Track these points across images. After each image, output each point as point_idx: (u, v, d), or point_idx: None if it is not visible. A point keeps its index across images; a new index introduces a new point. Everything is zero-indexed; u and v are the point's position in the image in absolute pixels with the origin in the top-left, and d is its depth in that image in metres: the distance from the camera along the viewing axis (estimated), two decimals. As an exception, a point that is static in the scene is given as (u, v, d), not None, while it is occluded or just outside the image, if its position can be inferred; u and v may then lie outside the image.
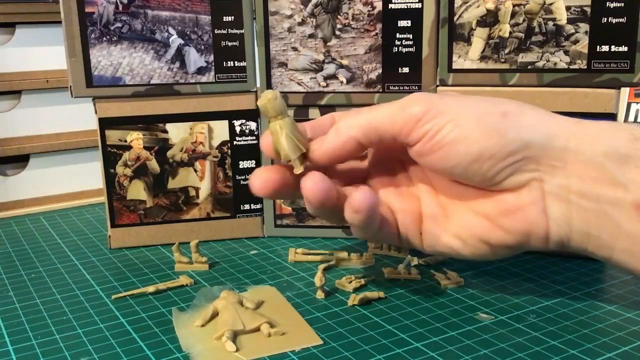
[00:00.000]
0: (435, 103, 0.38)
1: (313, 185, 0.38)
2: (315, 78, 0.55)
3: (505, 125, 0.37)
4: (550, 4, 0.49)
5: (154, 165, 0.57)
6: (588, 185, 0.36)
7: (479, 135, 0.37)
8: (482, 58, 0.52)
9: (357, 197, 0.38)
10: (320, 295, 0.46)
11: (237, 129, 0.57)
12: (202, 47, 0.55)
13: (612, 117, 0.49)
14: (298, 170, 0.39)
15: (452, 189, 0.41)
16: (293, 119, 0.40)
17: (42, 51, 0.73)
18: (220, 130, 0.57)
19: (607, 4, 0.48)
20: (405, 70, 0.53)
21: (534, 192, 0.37)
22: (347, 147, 0.40)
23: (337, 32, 0.54)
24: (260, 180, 0.41)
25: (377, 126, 0.39)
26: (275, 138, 0.39)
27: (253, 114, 0.57)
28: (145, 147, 0.56)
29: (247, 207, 0.59)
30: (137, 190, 0.57)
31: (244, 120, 0.57)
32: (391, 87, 0.54)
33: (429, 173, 0.42)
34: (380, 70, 0.54)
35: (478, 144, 0.37)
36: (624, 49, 0.48)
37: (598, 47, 0.49)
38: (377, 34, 0.53)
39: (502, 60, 0.51)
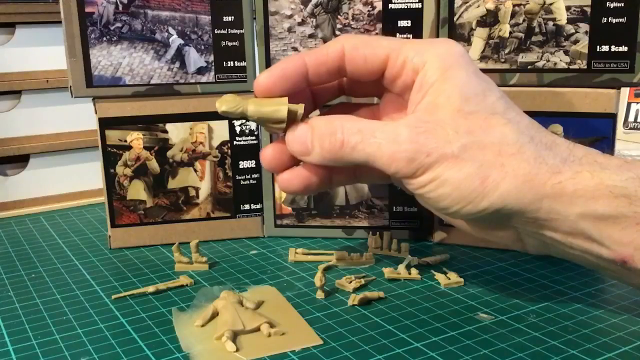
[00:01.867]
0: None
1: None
2: (315, 78, 0.55)
3: (482, 192, 0.37)
4: (550, 4, 0.49)
5: (154, 165, 0.57)
6: (561, 236, 0.37)
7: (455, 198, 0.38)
8: (482, 58, 0.52)
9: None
10: (320, 295, 0.46)
11: (237, 129, 0.57)
12: (202, 47, 0.55)
13: (612, 117, 0.49)
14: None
15: None
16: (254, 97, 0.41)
17: (42, 51, 0.73)
18: (220, 130, 0.57)
19: (607, 4, 0.48)
20: (405, 70, 0.53)
21: (510, 231, 0.39)
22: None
23: (337, 32, 0.54)
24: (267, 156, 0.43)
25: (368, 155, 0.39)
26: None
27: (253, 114, 0.57)
28: (145, 147, 0.56)
29: (247, 207, 0.59)
30: (137, 190, 0.57)
31: (244, 120, 0.57)
32: (391, 87, 0.54)
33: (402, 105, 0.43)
34: (380, 70, 0.54)
35: (458, 204, 0.38)
36: (624, 49, 0.48)
37: (598, 47, 0.49)
38: (377, 34, 0.53)
39: (502, 60, 0.51)
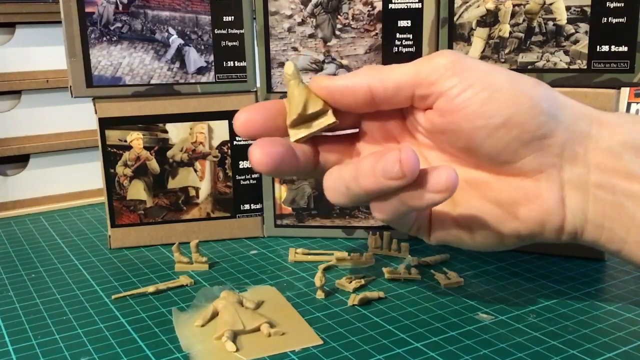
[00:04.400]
0: (465, 59, 0.36)
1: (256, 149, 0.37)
2: (315, 78, 0.55)
3: (539, 93, 0.35)
4: (550, 4, 0.49)
5: (154, 165, 0.57)
6: (605, 176, 0.35)
7: (511, 96, 0.35)
8: (482, 58, 0.52)
9: (444, 175, 0.34)
10: (320, 295, 0.46)
11: (237, 129, 0.57)
12: (202, 47, 0.55)
13: (612, 117, 0.49)
14: (294, 137, 0.39)
15: (461, 174, 0.37)
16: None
17: (42, 51, 0.73)
18: (220, 130, 0.57)
19: (607, 4, 0.48)
20: (405, 70, 0.53)
21: (552, 180, 0.36)
22: (356, 94, 0.37)
23: (337, 32, 0.54)
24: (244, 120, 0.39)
25: (398, 76, 0.36)
26: (290, 91, 0.39)
27: (253, 114, 0.57)
28: (145, 147, 0.56)
29: (247, 207, 0.59)
30: (137, 190, 0.57)
31: (244, 120, 0.57)
32: (391, 87, 0.54)
33: (432, 153, 0.39)
34: (380, 70, 0.54)
35: (509, 107, 0.35)
36: (624, 49, 0.48)
37: (598, 47, 0.49)
38: (377, 34, 0.53)
39: (502, 60, 0.51)
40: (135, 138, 0.56)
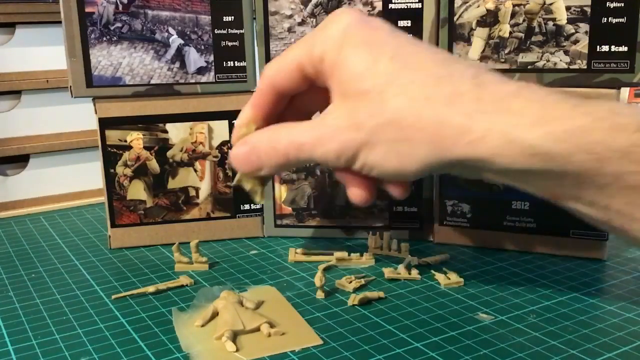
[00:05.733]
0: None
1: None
2: (315, 78, 0.55)
3: (402, 168, 0.37)
4: (550, 4, 0.49)
5: (154, 165, 0.57)
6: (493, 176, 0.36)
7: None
8: (482, 58, 0.52)
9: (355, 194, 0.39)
10: (320, 295, 0.46)
11: (237, 129, 0.57)
12: (202, 47, 0.55)
13: (612, 117, 0.49)
14: (258, 200, 0.43)
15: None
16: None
17: (42, 51, 0.73)
18: (220, 130, 0.57)
19: (607, 4, 0.48)
20: (405, 70, 0.53)
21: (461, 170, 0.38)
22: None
23: (337, 32, 0.54)
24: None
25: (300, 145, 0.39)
26: (242, 177, 0.43)
27: (253, 114, 0.57)
28: (145, 147, 0.56)
29: (247, 207, 0.59)
30: (137, 190, 0.57)
31: (244, 120, 0.57)
32: (391, 87, 0.54)
33: None
34: (380, 70, 0.54)
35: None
36: (624, 49, 0.48)
37: (598, 47, 0.49)
38: (377, 34, 0.53)
39: (502, 60, 0.51)
40: (135, 138, 0.56)
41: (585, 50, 0.49)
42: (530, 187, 0.35)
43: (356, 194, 0.39)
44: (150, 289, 0.47)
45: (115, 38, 0.54)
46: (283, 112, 0.44)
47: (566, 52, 0.50)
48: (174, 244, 0.52)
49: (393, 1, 0.52)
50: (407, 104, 0.35)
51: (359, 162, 0.38)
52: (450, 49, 0.52)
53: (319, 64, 0.39)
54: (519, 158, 0.33)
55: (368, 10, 0.53)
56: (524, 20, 0.50)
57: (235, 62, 0.56)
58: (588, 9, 0.48)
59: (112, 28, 0.54)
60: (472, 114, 0.34)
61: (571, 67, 0.50)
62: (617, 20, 0.48)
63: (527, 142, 0.33)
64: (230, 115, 0.57)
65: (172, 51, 0.55)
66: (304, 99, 0.44)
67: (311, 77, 0.41)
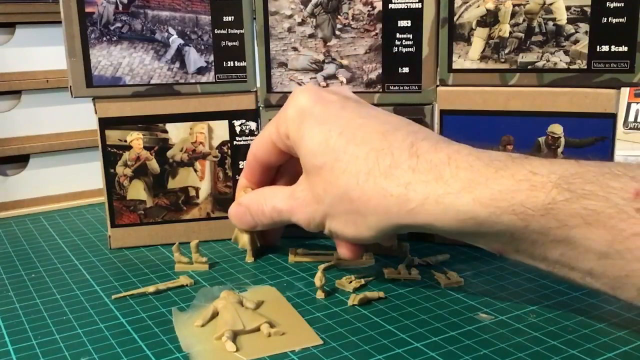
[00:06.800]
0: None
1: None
2: (315, 78, 0.55)
3: (359, 234, 0.42)
4: (550, 4, 0.49)
5: (154, 165, 0.57)
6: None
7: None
8: (482, 58, 0.52)
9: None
10: (320, 295, 0.46)
11: (237, 129, 0.57)
12: (202, 47, 0.55)
13: (612, 117, 0.49)
14: (247, 259, 0.53)
15: None
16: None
17: (42, 51, 0.73)
18: (220, 130, 0.57)
19: (607, 4, 0.48)
20: (405, 70, 0.53)
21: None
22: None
23: (337, 32, 0.54)
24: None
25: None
26: (238, 231, 0.53)
27: (253, 114, 0.57)
28: (145, 147, 0.56)
29: (247, 207, 0.59)
30: (137, 190, 0.57)
31: (244, 120, 0.57)
32: (391, 87, 0.54)
33: None
34: (380, 70, 0.54)
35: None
36: (624, 49, 0.48)
37: (598, 47, 0.49)
38: (377, 34, 0.53)
39: (502, 60, 0.51)
40: (135, 138, 0.56)
41: (585, 50, 0.49)
42: (476, 243, 0.39)
43: (342, 251, 0.45)
44: (150, 289, 0.47)
45: (115, 38, 0.54)
46: (275, 177, 0.50)
47: (566, 52, 0.50)
48: (174, 244, 0.52)
49: (393, 1, 0.52)
50: (352, 179, 0.39)
51: (326, 228, 0.43)
52: (450, 49, 0.52)
53: (286, 140, 0.44)
54: (453, 222, 0.37)
55: (368, 10, 0.53)
56: (524, 20, 0.50)
57: (235, 62, 0.56)
58: (588, 9, 0.48)
59: (112, 28, 0.54)
60: (410, 184, 0.38)
61: (571, 67, 0.50)
62: (617, 20, 0.48)
63: (458, 208, 0.36)
64: (230, 115, 0.57)
65: (172, 51, 0.55)
66: (290, 163, 0.49)
67: (284, 150, 0.45)
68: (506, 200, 0.34)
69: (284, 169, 0.50)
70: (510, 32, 0.51)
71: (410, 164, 0.38)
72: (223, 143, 0.57)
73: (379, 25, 0.53)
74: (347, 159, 0.40)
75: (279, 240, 0.56)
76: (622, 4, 0.47)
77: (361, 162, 0.39)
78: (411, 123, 0.42)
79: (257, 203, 0.48)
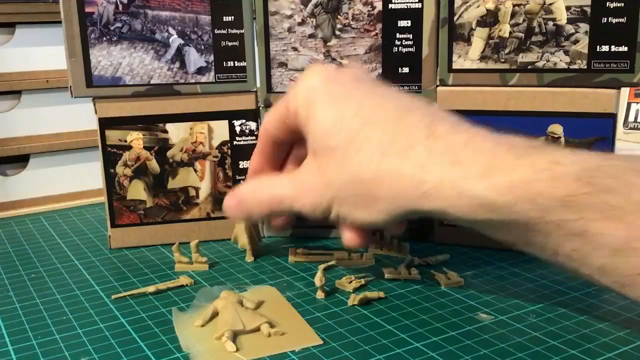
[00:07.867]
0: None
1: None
2: (315, 78, 0.55)
3: (370, 216, 0.39)
4: (550, 4, 0.49)
5: (154, 165, 0.57)
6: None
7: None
8: (482, 58, 0.52)
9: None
10: (320, 295, 0.46)
11: (237, 129, 0.57)
12: (202, 47, 0.55)
13: (612, 117, 0.49)
14: (247, 259, 0.53)
15: None
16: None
17: (42, 51, 0.74)
18: (220, 130, 0.57)
19: (607, 4, 0.48)
20: (405, 70, 0.53)
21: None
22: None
23: (337, 32, 0.54)
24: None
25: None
26: (238, 231, 0.54)
27: (253, 114, 0.57)
28: (145, 147, 0.56)
29: (247, 207, 0.59)
30: (137, 190, 0.57)
31: (244, 120, 0.57)
32: (391, 87, 0.54)
33: None
34: (380, 70, 0.54)
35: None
36: (624, 49, 0.48)
37: (598, 47, 0.49)
38: (377, 34, 0.53)
39: (502, 60, 0.51)
40: (135, 138, 0.56)
41: (585, 50, 0.49)
42: (486, 233, 0.37)
43: (348, 237, 0.42)
44: (150, 289, 0.47)
45: (115, 38, 0.54)
46: (285, 158, 0.47)
47: (566, 52, 0.50)
48: (174, 244, 0.52)
49: (393, 1, 0.52)
50: (366, 160, 0.38)
51: (333, 213, 0.40)
52: (450, 49, 0.52)
53: (295, 118, 0.42)
54: (467, 209, 0.35)
55: (368, 10, 0.53)
56: (524, 20, 0.50)
57: (235, 62, 0.56)
58: (588, 9, 0.48)
59: (112, 28, 0.54)
60: (425, 165, 0.36)
61: (571, 67, 0.50)
62: (617, 20, 0.48)
63: (473, 193, 0.34)
64: (230, 115, 0.57)
65: (172, 51, 0.55)
66: (301, 146, 0.46)
67: (293, 128, 0.43)
68: (524, 189, 0.33)
69: (295, 152, 0.48)
70: (510, 32, 0.51)
71: (426, 145, 0.36)
72: (223, 143, 0.57)
73: (379, 25, 0.53)
74: (361, 140, 0.38)
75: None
76: (622, 4, 0.47)
77: (376, 143, 0.37)
78: (428, 104, 0.40)
79: (254, 193, 0.45)
